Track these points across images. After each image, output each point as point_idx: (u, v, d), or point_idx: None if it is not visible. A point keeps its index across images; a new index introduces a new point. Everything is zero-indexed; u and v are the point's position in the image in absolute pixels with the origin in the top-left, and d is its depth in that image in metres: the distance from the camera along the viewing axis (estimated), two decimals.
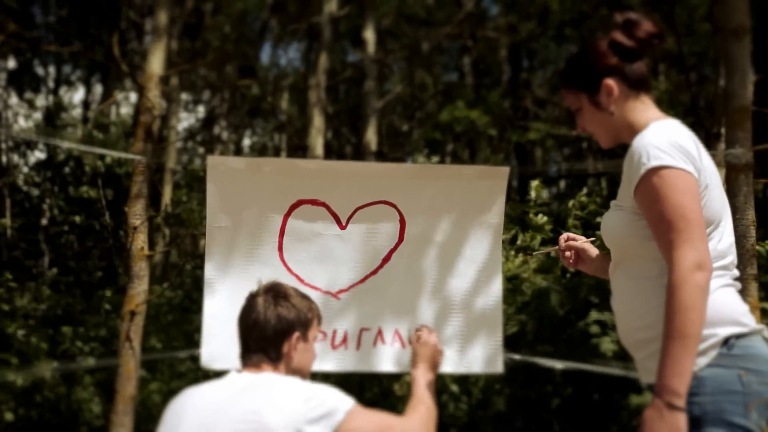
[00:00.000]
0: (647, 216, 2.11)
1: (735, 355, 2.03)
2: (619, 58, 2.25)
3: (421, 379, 2.63)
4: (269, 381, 2.32)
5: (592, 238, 2.71)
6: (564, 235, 2.77)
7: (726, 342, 2.04)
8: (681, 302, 1.96)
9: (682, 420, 1.94)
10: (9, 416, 7.94)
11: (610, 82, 2.24)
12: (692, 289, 1.97)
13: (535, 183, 6.94)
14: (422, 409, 2.47)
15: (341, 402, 2.26)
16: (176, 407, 2.38)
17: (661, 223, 2.05)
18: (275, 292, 2.49)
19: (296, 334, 2.43)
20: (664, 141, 2.10)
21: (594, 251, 2.67)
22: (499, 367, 3.90)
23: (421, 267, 3.81)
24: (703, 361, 2.02)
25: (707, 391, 1.99)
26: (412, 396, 2.54)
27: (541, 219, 6.57)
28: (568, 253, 2.73)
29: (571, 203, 6.86)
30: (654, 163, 2.07)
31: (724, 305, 2.07)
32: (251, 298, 2.50)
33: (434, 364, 2.73)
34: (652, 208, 2.08)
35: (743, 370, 2.02)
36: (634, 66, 2.26)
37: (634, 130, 2.21)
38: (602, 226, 2.33)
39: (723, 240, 2.17)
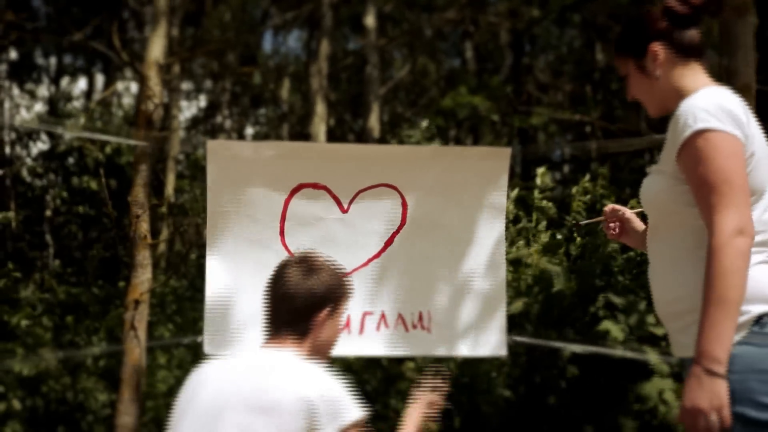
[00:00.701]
0: (690, 179, 2.06)
1: (767, 334, 1.98)
2: (669, 22, 2.21)
3: (417, 421, 2.56)
4: (288, 363, 2.27)
5: (639, 209, 2.61)
6: (609, 206, 2.72)
7: (759, 320, 1.99)
8: (722, 266, 1.92)
9: (722, 387, 1.90)
10: (16, 404, 7.97)
11: (656, 46, 2.21)
12: (734, 254, 1.92)
13: (541, 170, 6.93)
14: None
15: (354, 408, 2.20)
16: (193, 384, 2.33)
17: (704, 186, 2.01)
18: (308, 264, 2.40)
19: (326, 310, 2.36)
20: (712, 104, 2.05)
21: (639, 224, 2.61)
22: (502, 350, 3.89)
23: (424, 250, 3.79)
24: (734, 338, 1.96)
25: (736, 369, 1.93)
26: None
27: (547, 204, 6.55)
28: (612, 224, 2.68)
29: (574, 189, 6.84)
30: (700, 125, 2.02)
31: (759, 282, 2.01)
32: (282, 269, 2.40)
33: (431, 414, 2.66)
34: (695, 171, 2.03)
35: None
36: (686, 32, 2.21)
37: (681, 96, 2.15)
38: (642, 190, 2.27)
39: (767, 212, 2.11)
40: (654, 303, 2.26)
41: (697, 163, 2.02)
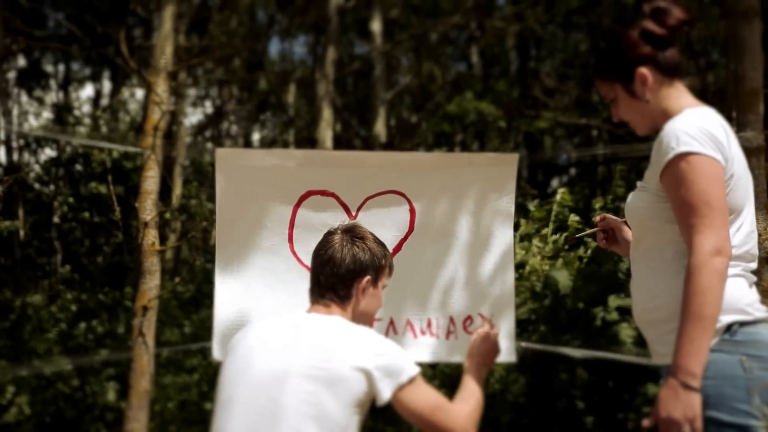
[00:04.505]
0: (672, 199, 2.14)
1: (737, 342, 2.08)
2: (651, 46, 2.26)
3: (477, 372, 2.53)
4: (341, 328, 2.33)
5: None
6: (601, 215, 2.80)
7: (729, 329, 2.09)
8: (699, 285, 2.00)
9: (696, 400, 1.99)
10: (27, 410, 8.01)
11: (644, 70, 2.26)
12: (711, 273, 2.01)
13: (562, 190, 7.05)
14: (473, 402, 2.40)
15: (409, 366, 2.28)
16: (240, 352, 2.36)
17: (685, 207, 2.08)
18: (353, 232, 2.50)
19: (367, 278, 2.45)
20: (695, 127, 2.12)
21: (628, 233, 2.68)
22: (511, 356, 3.89)
23: (432, 256, 3.80)
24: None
25: (709, 375, 2.03)
26: (465, 386, 2.46)
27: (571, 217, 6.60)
28: (601, 234, 2.76)
29: (598, 205, 6.97)
30: (683, 148, 2.10)
31: (730, 294, 2.09)
32: (328, 235, 2.51)
33: (491, 361, 2.63)
34: (677, 192, 2.11)
35: (745, 355, 2.06)
36: (667, 53, 2.28)
37: (669, 117, 2.22)
38: (626, 205, 2.37)
39: (741, 229, 2.20)
40: (633, 311, 2.35)
41: (679, 184, 2.10)
